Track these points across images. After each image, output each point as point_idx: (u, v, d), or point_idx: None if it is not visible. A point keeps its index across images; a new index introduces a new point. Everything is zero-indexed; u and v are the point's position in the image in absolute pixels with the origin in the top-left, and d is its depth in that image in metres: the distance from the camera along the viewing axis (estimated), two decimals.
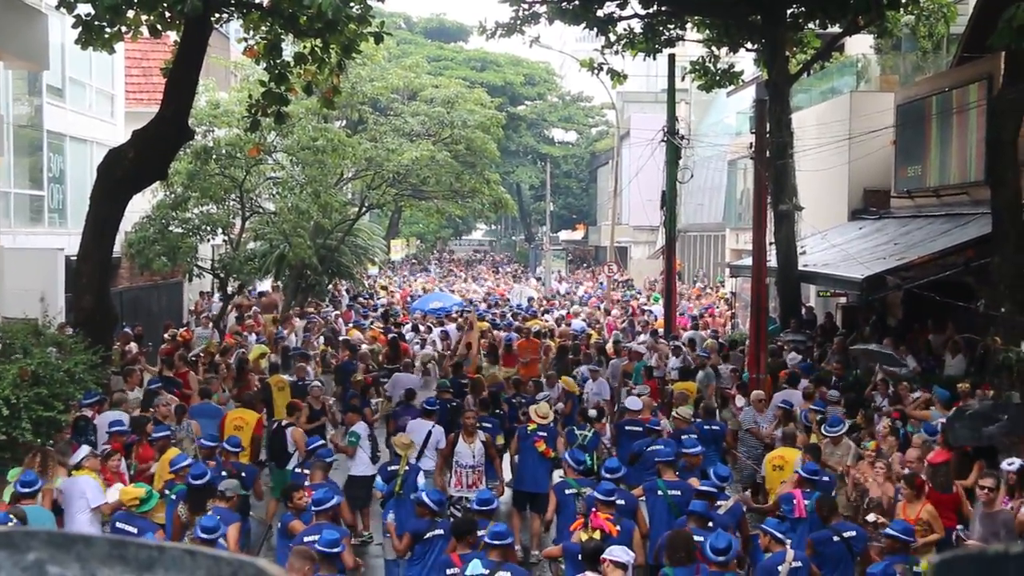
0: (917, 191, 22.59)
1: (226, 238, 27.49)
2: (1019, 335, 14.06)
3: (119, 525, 9.73)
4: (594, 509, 9.77)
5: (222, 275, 26.84)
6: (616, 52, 24.56)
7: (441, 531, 9.92)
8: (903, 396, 15.00)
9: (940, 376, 16.58)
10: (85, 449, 11.53)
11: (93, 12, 13.51)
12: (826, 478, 11.31)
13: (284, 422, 14.41)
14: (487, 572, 8.28)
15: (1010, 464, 10.70)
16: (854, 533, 9.75)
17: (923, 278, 17.95)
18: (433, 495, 10.32)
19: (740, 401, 17.29)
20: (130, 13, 14.45)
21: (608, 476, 10.76)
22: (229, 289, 27.23)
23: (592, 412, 14.89)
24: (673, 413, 14.72)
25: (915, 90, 23.49)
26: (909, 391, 15.16)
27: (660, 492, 11.05)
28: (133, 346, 19.09)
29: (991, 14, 16.14)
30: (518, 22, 22.55)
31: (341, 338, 24.25)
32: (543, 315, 31.80)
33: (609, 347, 22.89)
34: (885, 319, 22.06)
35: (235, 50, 30.52)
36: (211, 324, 24.51)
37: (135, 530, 9.51)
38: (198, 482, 10.49)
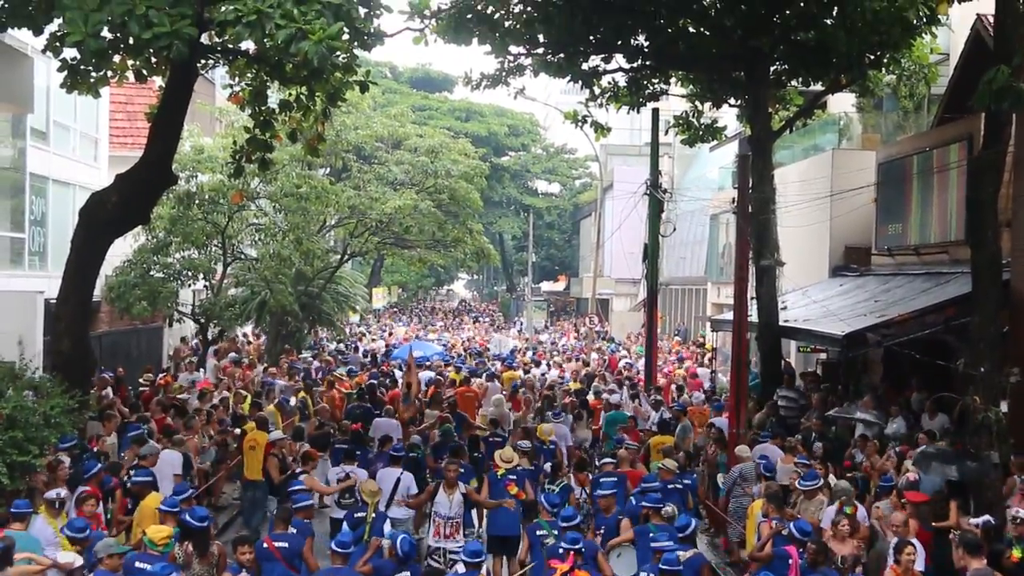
0: (898, 249, 22.74)
1: (207, 284, 27.43)
2: (997, 395, 14.09)
3: (138, 565, 9.63)
4: (577, 567, 9.83)
5: (203, 320, 26.75)
6: (600, 105, 24.73)
7: (408, 574, 9.99)
8: (871, 455, 15.08)
9: (930, 435, 16.58)
10: (54, 493, 11.43)
11: (79, 56, 13.52)
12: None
13: (299, 470, 14.70)
14: None
15: (975, 521, 10.86)
16: None
17: (903, 336, 18.00)
18: (405, 545, 10.31)
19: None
20: (116, 58, 14.50)
21: (564, 524, 10.94)
22: (209, 335, 27.12)
23: (546, 466, 15.00)
24: (659, 465, 14.72)
25: (896, 149, 23.72)
26: (876, 450, 15.24)
27: (652, 534, 11.15)
28: (109, 391, 18.91)
29: (972, 75, 16.34)
30: (503, 74, 22.69)
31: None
32: (531, 366, 31.68)
33: (591, 398, 22.85)
34: (865, 377, 22.09)
35: (220, 96, 30.63)
36: (197, 369, 24.33)
37: (152, 568, 9.50)
38: (200, 524, 10.51)
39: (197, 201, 25.73)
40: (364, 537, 11.76)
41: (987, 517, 11.33)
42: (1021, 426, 14.43)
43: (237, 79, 16.95)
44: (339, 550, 10.27)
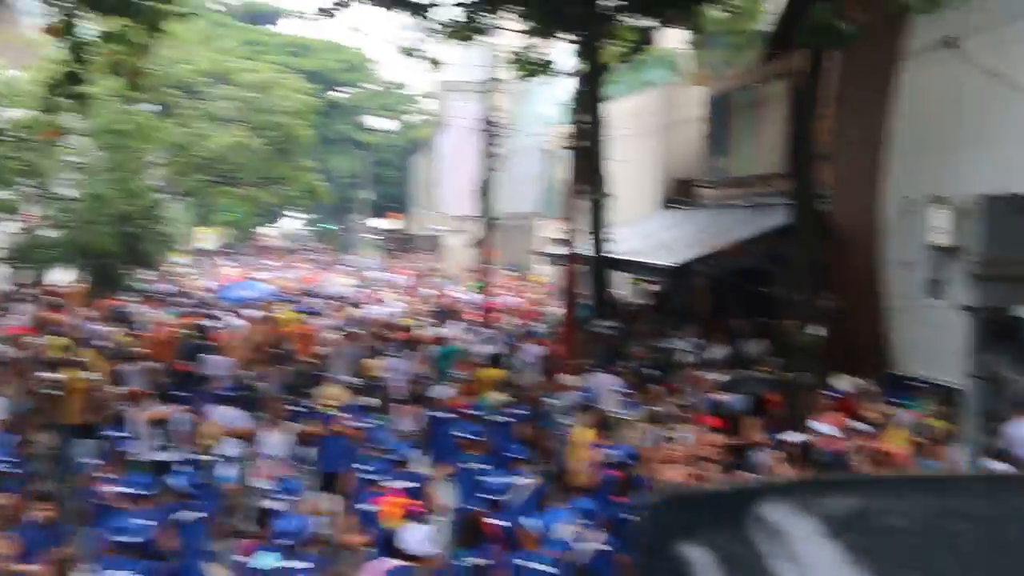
0: (725, 182, 23.27)
1: (20, 224, 26.15)
2: (814, 320, 14.66)
3: None
4: (410, 497, 9.79)
5: (16, 264, 25.52)
6: (434, 40, 24.36)
7: (196, 515, 9.69)
8: (689, 379, 15.55)
9: (743, 359, 17.16)
10: None
11: None
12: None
13: (129, 409, 14.06)
14: (279, 564, 8.05)
15: (793, 438, 11.36)
16: None
17: (729, 266, 18.50)
18: (182, 481, 10.01)
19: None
20: None
21: (394, 459, 10.99)
22: (25, 278, 25.91)
23: (374, 401, 14.93)
24: (489, 398, 14.79)
25: (725, 84, 24.17)
26: (697, 377, 15.70)
27: (468, 470, 11.19)
28: None
29: (797, 13, 16.68)
30: (336, 5, 22.05)
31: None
32: (365, 304, 31.38)
33: (422, 333, 22.77)
34: (692, 305, 22.65)
35: (33, 28, 28.96)
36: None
37: None
38: None
39: (4, 138, 24.37)
40: (210, 481, 11.44)
41: (802, 435, 11.79)
42: (835, 349, 15.07)
43: (52, 10, 15.91)
44: (133, 492, 9.80)
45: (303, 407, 14.36)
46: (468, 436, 11.93)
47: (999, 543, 1.50)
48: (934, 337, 14.20)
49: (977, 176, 13.62)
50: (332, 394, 13.94)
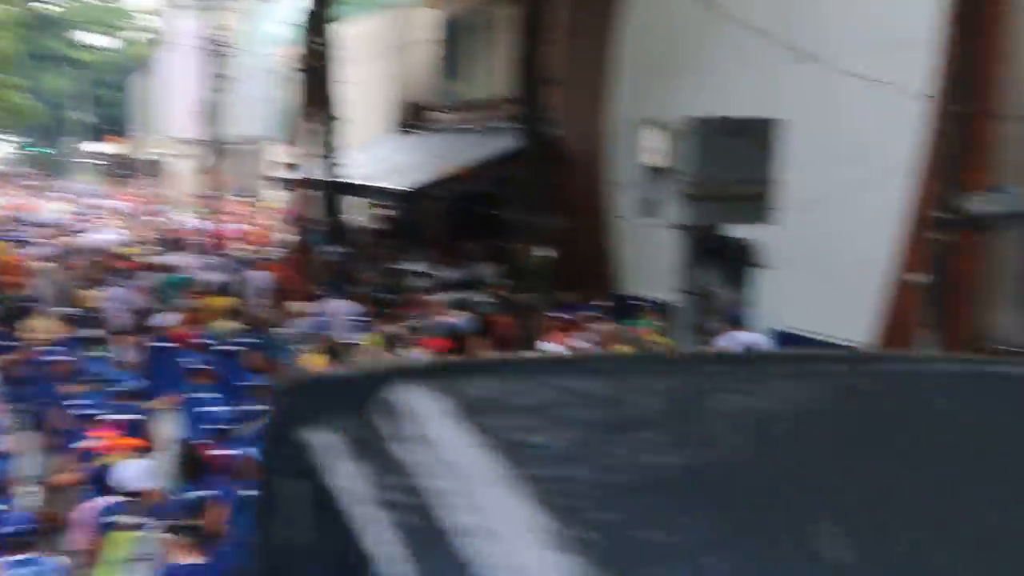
0: (457, 106, 23.30)
1: None
2: (544, 241, 15.00)
3: None
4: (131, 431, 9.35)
5: None
6: None
7: None
8: (419, 303, 15.78)
9: (476, 282, 17.39)
10: None
11: None
12: None
13: None
14: None
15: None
16: None
17: (461, 189, 18.60)
18: None
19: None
20: None
21: (118, 390, 10.57)
22: None
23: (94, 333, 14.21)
24: (218, 326, 14.33)
25: (457, 8, 24.07)
26: (427, 301, 15.87)
27: (193, 401, 10.88)
28: None
29: None
30: None
31: None
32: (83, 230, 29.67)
33: (146, 260, 21.81)
34: (426, 229, 22.72)
35: None
36: None
37: None
38: None
39: None
40: None
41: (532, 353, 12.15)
42: (564, 270, 15.50)
43: None
44: None
45: (9, 341, 13.47)
46: (195, 366, 11.53)
47: (615, 418, 1.63)
48: (652, 256, 14.80)
49: (694, 100, 14.15)
50: (42, 326, 13.12)
